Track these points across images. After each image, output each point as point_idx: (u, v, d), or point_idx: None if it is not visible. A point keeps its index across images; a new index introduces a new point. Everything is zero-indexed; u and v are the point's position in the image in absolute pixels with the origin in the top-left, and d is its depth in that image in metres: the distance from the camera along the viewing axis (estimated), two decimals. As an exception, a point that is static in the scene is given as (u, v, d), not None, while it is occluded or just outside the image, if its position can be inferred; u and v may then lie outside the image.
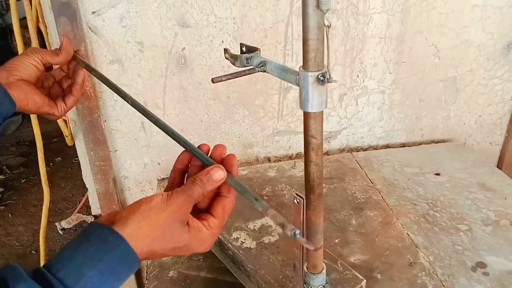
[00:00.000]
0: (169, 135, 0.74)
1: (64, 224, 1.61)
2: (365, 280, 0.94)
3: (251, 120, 1.64)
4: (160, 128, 0.75)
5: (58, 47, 0.81)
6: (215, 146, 0.73)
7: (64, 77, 0.84)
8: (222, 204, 0.67)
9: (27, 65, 0.76)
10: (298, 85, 0.66)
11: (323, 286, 0.89)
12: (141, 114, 1.52)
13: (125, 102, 1.55)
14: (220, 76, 0.73)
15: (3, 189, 3.36)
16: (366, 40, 1.57)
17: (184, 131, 1.60)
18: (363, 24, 1.54)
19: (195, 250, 0.63)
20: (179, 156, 0.73)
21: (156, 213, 0.56)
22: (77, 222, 1.62)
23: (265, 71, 0.73)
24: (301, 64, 0.65)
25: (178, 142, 0.73)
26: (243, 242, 1.05)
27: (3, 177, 3.56)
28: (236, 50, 0.77)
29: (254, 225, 1.10)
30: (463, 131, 1.84)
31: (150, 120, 0.77)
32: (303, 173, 0.77)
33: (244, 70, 0.75)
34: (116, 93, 0.76)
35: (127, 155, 1.61)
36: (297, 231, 0.55)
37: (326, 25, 0.61)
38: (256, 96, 1.59)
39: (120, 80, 1.47)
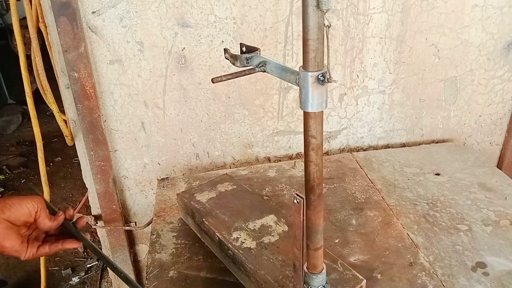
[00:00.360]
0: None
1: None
2: (365, 280, 0.94)
3: (251, 120, 1.64)
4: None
5: (60, 212, 0.83)
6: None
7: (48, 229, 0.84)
8: None
9: (22, 210, 0.77)
10: (298, 85, 0.66)
11: (323, 286, 0.89)
12: (141, 114, 1.52)
13: (125, 102, 1.55)
14: (220, 76, 0.73)
15: (3, 189, 3.36)
16: (366, 40, 1.57)
17: (184, 131, 1.60)
18: (363, 24, 1.54)
19: None
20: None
21: None
22: (77, 222, 1.62)
23: (265, 71, 0.73)
24: (301, 64, 0.65)
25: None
26: (243, 242, 1.05)
27: (3, 177, 3.56)
28: (236, 50, 0.77)
29: (254, 225, 1.10)
30: (463, 131, 1.84)
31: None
32: (303, 173, 0.77)
33: (244, 70, 0.75)
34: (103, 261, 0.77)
35: (127, 155, 1.61)
36: None
37: (326, 25, 0.61)
38: (256, 96, 1.59)
39: (120, 80, 1.47)
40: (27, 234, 0.81)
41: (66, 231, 0.83)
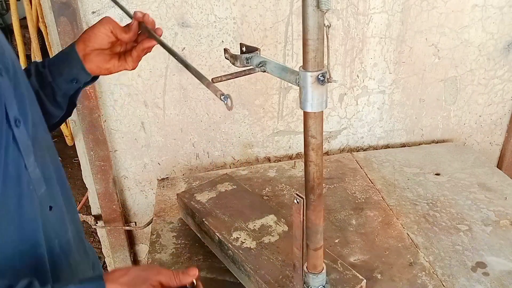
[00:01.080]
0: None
1: (64, 224, 1.61)
2: (365, 280, 0.94)
3: (251, 120, 1.64)
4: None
5: (130, 22, 0.88)
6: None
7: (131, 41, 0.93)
8: None
9: (100, 35, 0.84)
10: (298, 85, 0.66)
11: (323, 286, 0.89)
12: (141, 114, 1.51)
13: (125, 102, 1.55)
14: (220, 76, 0.73)
15: (3, 189, 3.37)
16: (366, 40, 1.57)
17: (184, 131, 1.60)
18: (363, 24, 1.54)
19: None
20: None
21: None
22: (77, 222, 1.62)
23: (265, 71, 0.73)
24: (301, 64, 0.65)
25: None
26: (243, 242, 1.05)
27: (3, 177, 3.56)
28: (236, 50, 0.77)
29: (254, 225, 1.10)
30: (463, 131, 1.84)
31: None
32: (303, 173, 0.77)
33: (244, 70, 0.75)
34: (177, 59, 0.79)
35: (127, 155, 1.61)
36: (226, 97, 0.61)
37: (326, 25, 0.61)
38: (256, 96, 1.59)
39: (120, 80, 1.47)
40: (121, 50, 0.89)
41: (142, 32, 0.88)
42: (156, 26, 0.91)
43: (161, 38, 0.86)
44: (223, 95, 0.60)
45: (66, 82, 0.86)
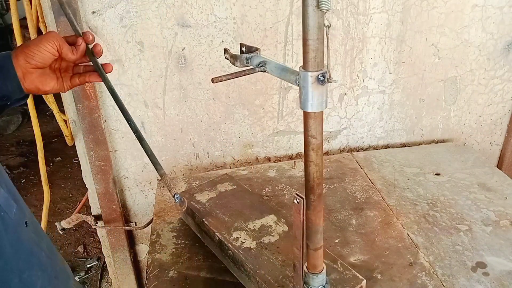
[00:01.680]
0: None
1: (64, 224, 1.61)
2: (365, 280, 0.94)
3: (251, 120, 1.64)
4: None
5: (80, 38, 0.84)
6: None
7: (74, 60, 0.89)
8: None
9: (45, 53, 0.78)
10: (298, 85, 0.66)
11: (323, 286, 0.89)
12: (141, 114, 1.52)
13: (125, 102, 1.55)
14: (220, 76, 0.73)
15: (3, 189, 3.37)
16: (366, 40, 1.57)
17: (184, 131, 1.60)
18: (363, 24, 1.54)
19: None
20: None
21: None
22: (77, 222, 1.62)
23: (265, 71, 0.73)
24: (301, 64, 0.65)
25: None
26: (243, 242, 1.05)
27: (3, 177, 3.56)
28: (236, 50, 0.77)
29: (254, 225, 1.10)
30: (463, 131, 1.84)
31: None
32: (303, 173, 0.77)
33: (244, 70, 0.75)
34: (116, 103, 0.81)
35: (127, 155, 1.61)
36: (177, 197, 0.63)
37: (326, 25, 0.61)
38: (256, 96, 1.59)
39: (120, 80, 1.47)
40: (57, 67, 0.84)
41: (88, 64, 0.86)
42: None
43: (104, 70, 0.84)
44: (176, 194, 0.63)
45: None
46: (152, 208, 1.48)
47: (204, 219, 1.14)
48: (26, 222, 0.71)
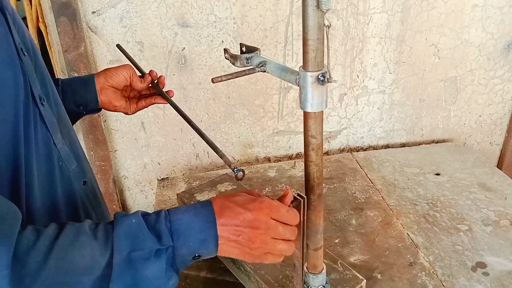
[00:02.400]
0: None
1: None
2: (365, 280, 0.94)
3: (251, 120, 1.64)
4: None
5: (147, 74, 0.99)
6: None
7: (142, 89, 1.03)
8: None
9: (120, 77, 0.96)
10: (298, 85, 0.66)
11: (323, 286, 0.89)
12: (141, 114, 1.52)
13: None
14: (220, 76, 0.73)
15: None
16: (366, 40, 1.57)
17: (184, 131, 1.60)
18: (363, 24, 1.54)
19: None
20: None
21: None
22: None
23: (265, 71, 0.73)
24: (301, 64, 0.65)
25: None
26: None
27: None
28: (236, 50, 0.77)
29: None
30: (463, 131, 1.84)
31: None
32: (303, 173, 0.77)
33: (244, 70, 0.75)
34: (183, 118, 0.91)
35: (127, 155, 1.61)
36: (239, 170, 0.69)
37: (326, 25, 0.61)
38: (256, 96, 1.59)
39: (120, 80, 1.47)
40: (127, 95, 1.01)
41: (154, 91, 1.01)
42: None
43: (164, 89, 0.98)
44: (236, 168, 0.68)
45: (75, 105, 0.92)
46: (152, 208, 1.48)
47: (204, 219, 1.13)
48: (84, 181, 0.78)
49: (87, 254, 0.55)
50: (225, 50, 0.78)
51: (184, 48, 1.46)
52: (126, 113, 1.01)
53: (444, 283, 1.03)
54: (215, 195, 1.24)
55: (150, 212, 0.63)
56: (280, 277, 0.94)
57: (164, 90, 1.00)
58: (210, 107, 1.58)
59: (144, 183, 1.69)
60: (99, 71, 0.99)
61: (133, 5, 1.36)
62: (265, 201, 0.67)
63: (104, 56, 1.43)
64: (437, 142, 1.82)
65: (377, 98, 1.69)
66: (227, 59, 0.78)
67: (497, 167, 1.88)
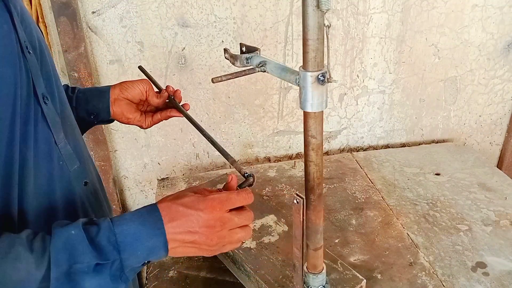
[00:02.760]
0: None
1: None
2: (365, 280, 0.94)
3: (251, 120, 1.64)
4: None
5: (164, 89, 0.99)
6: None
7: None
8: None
9: (136, 90, 0.96)
10: (298, 85, 0.66)
11: (323, 286, 0.89)
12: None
13: (125, 102, 1.53)
14: (220, 76, 0.73)
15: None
16: (366, 40, 1.57)
17: (184, 131, 1.60)
18: (363, 24, 1.54)
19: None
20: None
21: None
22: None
23: (265, 71, 0.73)
24: (301, 64, 0.65)
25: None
26: (243, 242, 1.05)
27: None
28: (236, 50, 0.77)
29: (254, 225, 1.10)
30: (463, 131, 1.84)
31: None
32: (303, 173, 0.77)
33: (244, 70, 0.75)
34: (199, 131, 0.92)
35: (127, 155, 1.61)
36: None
37: (326, 25, 0.61)
38: (256, 96, 1.59)
39: (120, 80, 1.46)
40: (143, 110, 1.00)
41: (171, 105, 1.00)
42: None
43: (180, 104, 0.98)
44: (246, 173, 0.70)
45: (86, 114, 0.93)
46: (152, 208, 1.48)
47: (204, 219, 1.13)
48: (86, 182, 0.77)
49: (22, 267, 0.53)
50: (225, 50, 0.78)
51: (184, 48, 1.46)
52: (141, 127, 1.00)
53: (444, 283, 1.03)
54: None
55: (94, 220, 0.61)
56: (280, 277, 0.94)
57: (180, 103, 1.00)
58: (210, 107, 1.58)
59: (144, 183, 1.69)
60: (114, 83, 0.99)
61: (133, 5, 1.36)
62: (214, 198, 0.66)
63: (104, 56, 1.43)
64: (437, 142, 1.82)
65: (377, 98, 1.69)
66: (227, 59, 0.78)
67: (497, 167, 1.88)
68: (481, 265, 1.09)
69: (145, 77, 1.02)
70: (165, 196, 0.68)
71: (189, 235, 0.63)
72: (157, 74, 1.48)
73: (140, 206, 1.30)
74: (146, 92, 0.97)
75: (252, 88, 1.57)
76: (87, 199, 0.77)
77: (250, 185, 0.70)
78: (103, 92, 0.95)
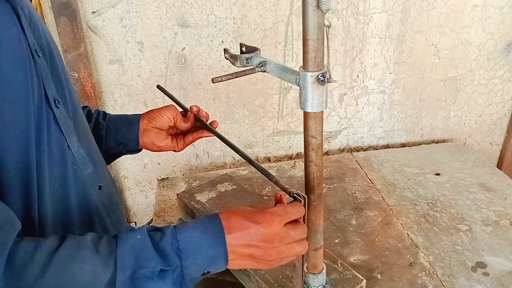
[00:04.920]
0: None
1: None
2: (365, 280, 0.94)
3: (251, 120, 1.64)
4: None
5: (190, 113, 1.00)
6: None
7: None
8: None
9: (164, 118, 0.96)
10: (298, 85, 0.66)
11: (323, 286, 0.89)
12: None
13: (125, 102, 1.55)
14: (220, 76, 0.73)
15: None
16: (366, 40, 1.57)
17: (184, 131, 1.60)
18: (363, 24, 1.54)
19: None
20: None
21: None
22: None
23: (265, 71, 0.73)
24: (301, 64, 0.65)
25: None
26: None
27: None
28: (236, 50, 0.77)
29: (254, 225, 1.10)
30: (463, 131, 1.84)
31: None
32: (303, 173, 0.77)
33: (244, 70, 0.75)
34: (228, 145, 0.91)
35: (127, 155, 1.61)
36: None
37: (326, 25, 0.61)
38: (256, 96, 1.59)
39: (120, 80, 1.47)
40: (173, 133, 1.01)
41: (199, 125, 1.00)
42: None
43: (210, 124, 0.98)
44: (293, 192, 0.70)
45: (115, 143, 0.94)
46: (152, 208, 1.48)
47: (204, 219, 1.14)
48: (100, 186, 0.77)
49: (88, 269, 0.54)
50: (225, 50, 0.78)
51: (184, 48, 1.46)
52: (174, 151, 1.00)
53: (444, 283, 1.03)
54: (214, 195, 1.24)
55: (158, 227, 0.61)
56: (280, 277, 0.94)
57: (207, 121, 0.99)
58: (210, 107, 1.58)
59: (144, 183, 1.69)
60: (144, 112, 0.99)
61: (133, 5, 1.36)
62: (273, 211, 0.66)
63: (104, 56, 1.43)
64: (437, 142, 1.82)
65: (377, 98, 1.69)
66: (227, 59, 0.78)
67: (497, 167, 1.88)
68: (481, 265, 1.09)
69: (171, 102, 1.01)
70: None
71: (248, 248, 0.63)
72: (157, 74, 1.48)
73: (140, 206, 1.29)
74: (174, 118, 0.97)
75: (252, 88, 1.57)
76: (102, 203, 0.77)
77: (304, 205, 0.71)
78: (133, 123, 0.95)
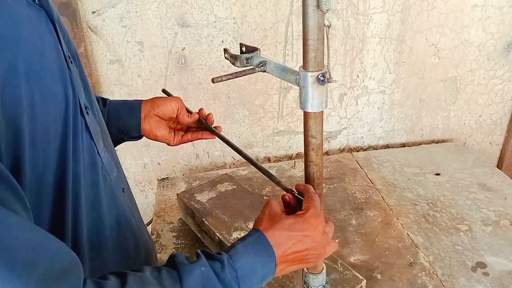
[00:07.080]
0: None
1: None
2: (365, 280, 0.94)
3: (251, 120, 1.64)
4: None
5: (195, 112, 0.99)
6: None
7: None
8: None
9: (168, 108, 0.94)
10: (298, 85, 0.66)
11: (323, 286, 0.89)
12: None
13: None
14: (220, 76, 0.73)
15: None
16: (366, 40, 1.57)
17: (184, 131, 1.60)
18: (363, 24, 1.54)
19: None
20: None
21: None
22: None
23: (265, 71, 0.73)
24: (301, 64, 0.65)
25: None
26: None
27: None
28: (236, 50, 0.77)
29: (254, 225, 1.10)
30: (463, 131, 1.84)
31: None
32: (303, 173, 0.77)
33: (244, 70, 0.75)
34: (237, 152, 0.91)
35: (127, 155, 1.61)
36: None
37: (326, 25, 0.61)
38: (256, 96, 1.59)
39: (120, 80, 1.47)
40: (172, 127, 0.99)
41: (203, 127, 1.00)
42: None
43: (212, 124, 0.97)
44: (295, 192, 0.71)
45: (117, 130, 0.92)
46: (152, 208, 1.48)
47: (204, 219, 1.14)
48: (123, 188, 0.78)
49: None
50: (225, 50, 0.78)
51: (184, 48, 1.46)
52: (168, 144, 0.99)
53: (444, 283, 1.03)
54: (214, 195, 1.24)
55: (212, 254, 0.62)
56: (280, 277, 0.94)
57: (208, 122, 0.99)
58: (210, 107, 1.58)
59: (144, 183, 1.69)
60: (146, 99, 0.97)
61: (133, 5, 1.36)
62: (311, 216, 0.67)
63: (104, 56, 1.43)
64: (437, 142, 1.82)
65: (377, 98, 1.69)
66: (227, 59, 0.78)
67: (497, 167, 1.88)
68: (481, 265, 1.09)
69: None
70: (259, 220, 0.68)
71: (298, 254, 0.66)
72: (157, 74, 1.48)
73: (140, 206, 1.30)
74: (178, 110, 0.95)
75: (252, 88, 1.57)
76: (126, 205, 0.77)
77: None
78: (134, 108, 0.93)
